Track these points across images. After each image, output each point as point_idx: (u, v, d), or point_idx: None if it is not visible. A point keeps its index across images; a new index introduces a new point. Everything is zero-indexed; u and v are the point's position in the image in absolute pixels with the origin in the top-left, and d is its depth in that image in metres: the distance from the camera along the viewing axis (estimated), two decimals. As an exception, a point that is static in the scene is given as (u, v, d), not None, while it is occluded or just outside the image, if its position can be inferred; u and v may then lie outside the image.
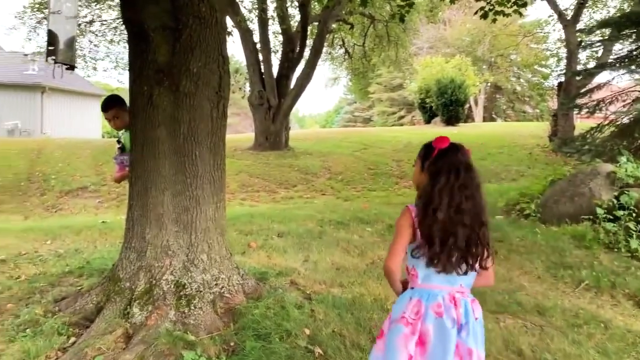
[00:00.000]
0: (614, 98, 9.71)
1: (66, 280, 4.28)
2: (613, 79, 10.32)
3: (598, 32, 12.40)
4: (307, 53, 16.88)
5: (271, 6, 16.50)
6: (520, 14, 8.61)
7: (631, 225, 5.46)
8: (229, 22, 14.54)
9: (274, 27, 17.54)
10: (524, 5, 8.16)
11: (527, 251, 5.50)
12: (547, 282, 4.74)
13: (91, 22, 16.80)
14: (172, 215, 3.52)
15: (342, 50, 21.80)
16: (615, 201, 5.85)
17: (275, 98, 16.32)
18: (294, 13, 17.55)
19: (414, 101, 32.08)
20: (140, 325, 3.22)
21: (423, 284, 2.05)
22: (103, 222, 7.24)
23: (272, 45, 17.19)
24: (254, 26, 16.71)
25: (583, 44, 14.26)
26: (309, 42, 17.06)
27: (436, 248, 1.98)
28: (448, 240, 1.98)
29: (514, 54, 39.38)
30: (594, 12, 18.65)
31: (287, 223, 6.76)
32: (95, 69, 18.55)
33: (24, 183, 11.83)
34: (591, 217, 5.85)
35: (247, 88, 18.16)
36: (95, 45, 17.71)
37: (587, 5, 16.93)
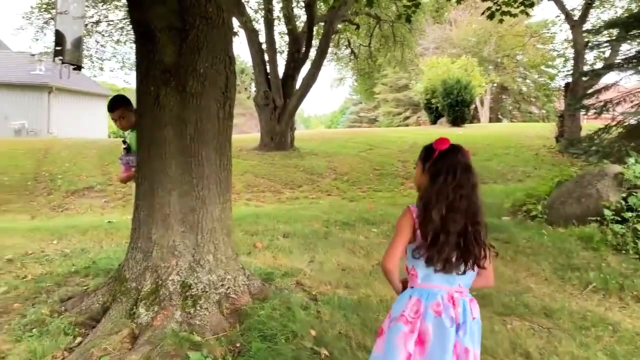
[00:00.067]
0: (621, 99, 9.65)
1: (72, 280, 4.28)
2: (621, 79, 10.27)
3: (605, 32, 12.31)
4: (312, 53, 16.87)
5: (277, 6, 16.52)
6: (527, 14, 8.59)
7: (639, 227, 5.43)
8: (235, 22, 14.57)
9: (279, 27, 17.59)
10: (531, 5, 8.14)
11: (534, 252, 5.47)
12: (554, 284, 4.71)
13: (98, 23, 16.87)
14: (179, 216, 3.52)
15: (348, 50, 21.78)
16: (623, 203, 5.81)
17: (280, 98, 16.33)
18: (300, 13, 17.58)
19: (419, 102, 32.01)
20: (146, 325, 3.22)
21: (422, 284, 2.08)
22: (109, 222, 7.26)
23: (277, 45, 17.22)
24: (260, 26, 16.75)
25: (590, 44, 14.20)
26: (315, 42, 17.06)
27: (435, 248, 2.01)
28: (445, 239, 2.01)
29: (520, 55, 39.20)
30: (601, 13, 18.56)
31: (293, 223, 6.75)
32: (101, 69, 18.64)
33: (30, 183, 11.88)
34: (599, 218, 5.81)
35: (253, 88, 18.18)
36: (101, 46, 17.81)
37: (594, 5, 16.83)
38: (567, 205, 6.44)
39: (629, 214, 5.57)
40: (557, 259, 5.24)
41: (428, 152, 2.16)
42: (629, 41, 10.81)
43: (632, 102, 9.73)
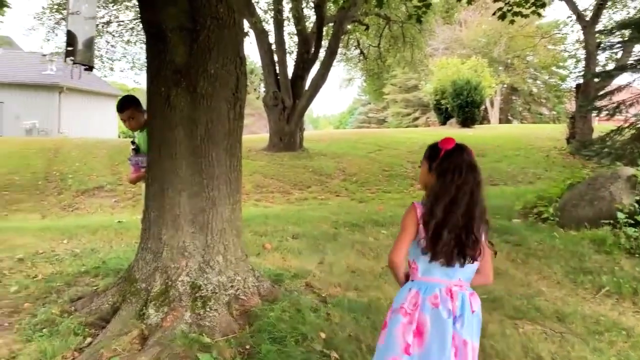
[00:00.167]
0: (634, 100, 9.54)
1: (82, 280, 4.30)
2: (634, 80, 10.16)
3: (618, 33, 12.20)
4: (322, 54, 16.85)
5: (287, 7, 16.51)
6: (539, 15, 8.52)
7: (653, 230, 5.37)
8: (244, 23, 14.57)
9: (289, 28, 17.57)
10: (542, 5, 8.07)
11: (546, 255, 5.41)
12: (566, 287, 4.66)
13: (108, 23, 16.96)
14: (189, 217, 3.51)
15: (357, 51, 21.73)
16: (636, 205, 5.75)
17: (290, 99, 16.33)
18: (310, 14, 17.56)
19: (429, 102, 31.92)
20: (156, 326, 3.21)
21: (423, 277, 2.15)
22: (119, 221, 7.28)
23: (287, 46, 17.19)
24: (270, 27, 16.74)
25: (602, 45, 14.07)
26: (324, 43, 17.03)
27: (438, 243, 2.08)
28: (448, 235, 2.07)
29: (531, 56, 39.00)
30: (613, 13, 18.36)
31: (302, 224, 6.73)
32: (112, 69, 18.73)
33: (41, 182, 11.95)
34: (611, 221, 5.74)
35: (262, 89, 18.19)
36: (112, 46, 17.89)
37: (606, 6, 16.67)
38: (579, 208, 6.37)
39: (643, 217, 5.51)
40: (569, 262, 5.18)
41: (433, 151, 2.21)
42: (641, 42, 10.70)
43: (645, 103, 9.63)
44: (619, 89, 10.22)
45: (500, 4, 7.93)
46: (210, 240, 3.55)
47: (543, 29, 31.13)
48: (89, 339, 3.17)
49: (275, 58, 16.55)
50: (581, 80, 16.41)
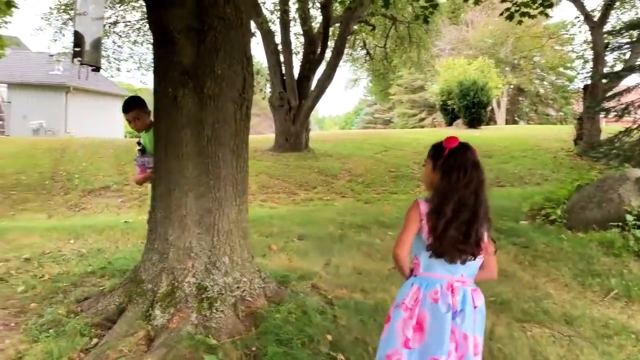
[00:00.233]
0: (643, 101, 9.48)
1: (88, 281, 4.30)
2: (643, 81, 10.07)
3: (626, 34, 12.11)
4: (328, 54, 16.83)
5: (293, 8, 16.50)
6: (547, 15, 8.46)
7: (662, 233, 5.31)
8: (251, 23, 14.56)
9: (295, 28, 17.57)
10: (550, 6, 8.00)
11: (553, 258, 5.37)
12: (574, 290, 4.62)
13: (115, 23, 17.01)
14: (195, 217, 3.51)
15: (363, 51, 21.70)
16: (645, 208, 5.69)
17: (295, 99, 16.32)
18: (316, 14, 17.55)
19: (435, 103, 31.81)
20: (162, 327, 3.21)
21: (425, 273, 2.20)
22: (125, 222, 7.29)
23: (293, 46, 17.19)
24: (276, 27, 16.74)
25: (610, 46, 13.97)
26: (331, 43, 17.01)
27: (445, 240, 2.12)
28: (455, 232, 2.12)
29: (538, 56, 38.82)
30: (621, 14, 18.21)
31: (308, 226, 6.73)
32: (118, 69, 18.72)
33: (48, 182, 11.99)
34: (620, 223, 5.69)
35: (268, 89, 18.20)
36: (119, 46, 17.92)
37: (614, 6, 16.55)
38: (587, 210, 6.32)
39: (652, 220, 5.46)
40: (577, 264, 5.14)
41: (437, 150, 2.24)
42: (650, 43, 10.62)
43: (654, 105, 9.56)
44: (628, 90, 10.13)
45: (507, 4, 7.88)
46: (216, 241, 3.54)
47: (550, 29, 30.98)
48: (95, 340, 3.17)
49: (282, 58, 16.54)
50: (589, 81, 16.30)
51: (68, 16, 16.00)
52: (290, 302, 3.62)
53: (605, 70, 15.75)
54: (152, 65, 3.84)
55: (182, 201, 3.48)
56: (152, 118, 4.19)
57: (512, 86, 41.73)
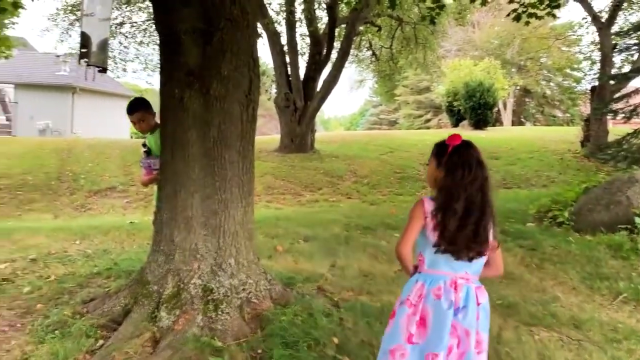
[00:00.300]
0: (651, 103, 9.40)
1: (94, 282, 4.30)
2: (651, 83, 10.00)
3: (634, 35, 12.02)
4: (334, 55, 16.80)
5: (299, 8, 16.50)
6: (554, 16, 8.40)
7: (672, 236, 5.26)
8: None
9: (301, 29, 17.56)
10: (557, 6, 7.95)
11: (561, 260, 5.33)
12: (582, 293, 4.58)
13: (121, 24, 17.06)
14: (201, 219, 3.49)
15: (369, 52, 21.65)
16: (654, 210, 5.64)
17: (301, 100, 16.30)
18: (322, 15, 17.53)
19: (441, 104, 31.72)
20: (168, 329, 3.20)
21: (429, 270, 2.23)
22: (131, 222, 7.30)
23: (299, 47, 17.18)
24: (282, 28, 16.75)
25: (618, 47, 13.87)
26: (336, 44, 16.99)
27: (453, 237, 2.14)
28: (463, 229, 2.14)
29: (545, 57, 38.66)
30: (629, 15, 18.10)
31: (313, 227, 6.71)
32: (125, 70, 18.80)
33: (54, 182, 12.03)
34: (629, 226, 5.65)
35: (274, 90, 18.20)
36: (125, 47, 17.97)
37: (622, 7, 16.44)
38: (595, 212, 6.27)
39: (661, 222, 5.40)
40: (585, 267, 5.10)
41: (441, 148, 2.27)
42: (658, 44, 10.54)
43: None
44: (636, 91, 10.07)
45: (514, 5, 7.84)
46: (222, 243, 3.53)
47: (557, 30, 30.86)
48: (100, 341, 3.16)
49: (287, 59, 16.54)
50: (596, 83, 16.21)
51: (75, 17, 16.06)
52: (296, 304, 3.61)
53: (613, 71, 15.64)
54: (158, 66, 3.83)
55: (188, 202, 3.47)
56: (157, 119, 4.19)
57: (518, 87, 41.56)
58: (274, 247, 5.56)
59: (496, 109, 30.77)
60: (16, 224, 7.78)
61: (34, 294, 3.99)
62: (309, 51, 17.07)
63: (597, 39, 17.23)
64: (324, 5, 16.44)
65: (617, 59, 16.42)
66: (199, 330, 3.17)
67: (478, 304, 2.18)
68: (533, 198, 8.57)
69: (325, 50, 16.46)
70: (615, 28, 16.06)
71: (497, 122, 35.78)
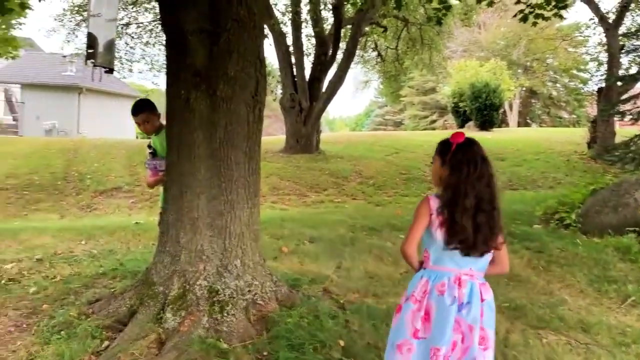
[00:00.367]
0: (659, 105, 9.33)
1: (100, 282, 4.30)
2: (659, 84, 9.94)
3: (642, 36, 11.95)
4: (339, 56, 16.78)
5: (304, 9, 16.48)
6: (561, 17, 8.35)
7: (680, 238, 5.21)
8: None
9: (307, 30, 17.53)
10: (565, 7, 7.89)
11: (568, 263, 5.29)
12: (590, 296, 4.54)
13: (127, 25, 17.08)
14: (207, 220, 3.49)
15: (375, 53, 21.62)
16: (662, 213, 5.59)
17: (306, 101, 16.29)
18: (328, 16, 17.51)
19: (446, 105, 31.63)
20: (173, 330, 3.19)
21: (434, 266, 2.25)
22: (136, 223, 7.30)
23: (304, 48, 17.16)
24: (287, 29, 16.73)
25: (625, 48, 13.78)
26: (342, 45, 16.97)
27: (464, 233, 2.15)
28: (477, 225, 2.16)
29: (551, 58, 38.50)
30: (637, 15, 17.98)
31: (319, 228, 6.69)
32: (130, 70, 18.81)
33: (60, 182, 12.06)
34: (637, 229, 5.61)
35: (279, 90, 18.18)
36: (131, 48, 18.00)
37: (630, 8, 16.34)
38: (602, 215, 6.22)
39: (669, 225, 5.36)
40: (592, 270, 5.06)
41: (445, 146, 2.29)
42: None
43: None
44: (644, 92, 9.99)
45: (521, 6, 7.79)
46: (228, 244, 3.52)
47: (563, 31, 30.71)
48: (106, 342, 3.16)
49: (293, 60, 16.52)
50: (603, 84, 16.11)
51: (81, 17, 16.09)
52: (302, 306, 3.60)
53: (620, 72, 15.54)
54: (164, 66, 3.83)
55: (194, 204, 3.47)
56: (161, 120, 4.19)
57: (524, 88, 41.39)
58: (280, 248, 5.55)
59: (502, 110, 30.68)
60: (22, 224, 7.80)
61: (39, 294, 4.00)
62: (314, 52, 17.04)
63: (604, 40, 17.13)
64: (330, 6, 16.41)
65: (625, 60, 16.31)
66: (205, 332, 3.17)
67: (482, 300, 2.20)
68: (539, 200, 8.52)
69: (330, 51, 16.43)
70: (622, 29, 15.97)
71: (503, 123, 35.64)
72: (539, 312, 4.03)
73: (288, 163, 14.74)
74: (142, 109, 4.08)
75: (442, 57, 23.33)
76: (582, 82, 37.46)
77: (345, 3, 15.34)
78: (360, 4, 13.65)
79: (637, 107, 9.49)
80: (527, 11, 7.73)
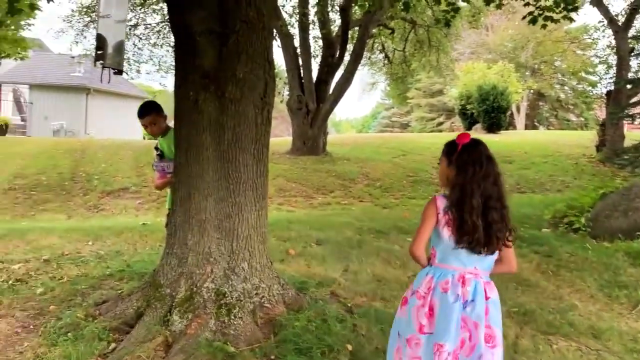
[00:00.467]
0: (669, 108, 9.24)
1: (107, 283, 4.29)
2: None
3: (652, 38, 11.85)
4: (346, 58, 16.75)
5: (312, 11, 16.47)
6: (571, 19, 8.29)
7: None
8: (270, 26, 14.52)
9: (314, 31, 17.52)
10: (575, 9, 7.83)
11: (578, 268, 5.23)
12: (600, 301, 4.48)
13: (135, 26, 17.15)
14: (215, 222, 3.47)
15: (382, 55, 21.57)
16: (674, 218, 5.53)
17: (313, 103, 16.27)
18: (335, 18, 17.49)
19: (453, 107, 31.53)
20: (180, 333, 3.18)
21: (439, 264, 2.30)
22: (143, 224, 7.30)
23: (312, 49, 17.14)
24: (295, 31, 16.72)
25: (635, 51, 13.68)
26: (349, 47, 16.94)
27: (473, 232, 2.18)
28: (485, 223, 2.20)
29: (559, 61, 38.31)
30: (646, 18, 17.86)
31: (326, 230, 6.66)
32: (138, 71, 18.91)
33: (68, 182, 12.09)
34: (648, 233, 5.54)
35: (286, 92, 18.18)
36: (139, 49, 18.07)
37: (639, 11, 16.22)
38: (612, 219, 6.16)
39: (681, 230, 5.29)
40: (602, 275, 5.00)
41: (451, 147, 2.34)
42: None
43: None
44: (654, 95, 9.90)
45: (530, 8, 7.74)
46: (235, 247, 3.50)
47: (572, 33, 30.56)
48: (113, 345, 3.15)
49: (300, 62, 16.52)
50: (612, 87, 16.00)
51: (89, 19, 16.18)
52: (310, 309, 3.57)
53: (630, 75, 15.44)
54: (172, 67, 3.82)
55: (202, 205, 3.45)
56: (167, 122, 4.18)
57: (532, 91, 41.21)
58: (286, 250, 5.52)
59: (509, 112, 30.53)
60: (30, 224, 7.82)
61: (46, 295, 3.99)
62: (321, 53, 17.02)
63: (614, 42, 17.02)
64: (337, 8, 16.40)
65: (634, 62, 16.23)
66: (212, 335, 3.15)
67: (487, 298, 2.24)
68: (548, 203, 8.46)
69: (338, 53, 16.40)
70: (632, 31, 15.87)
71: (511, 125, 35.50)
72: (548, 317, 3.99)
73: (294, 165, 14.72)
74: (149, 111, 4.06)
75: (450, 59, 23.26)
76: (590, 85, 37.25)
77: (353, 5, 15.31)
78: (368, 5, 13.62)
79: (647, 111, 9.40)
80: (536, 13, 7.67)
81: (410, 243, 2.38)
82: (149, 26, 17.60)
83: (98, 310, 3.60)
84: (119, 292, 3.96)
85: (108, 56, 3.82)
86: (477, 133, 24.07)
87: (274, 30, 14.69)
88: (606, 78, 23.83)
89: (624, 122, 14.40)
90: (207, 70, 3.41)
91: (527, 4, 7.74)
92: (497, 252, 2.28)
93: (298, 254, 5.47)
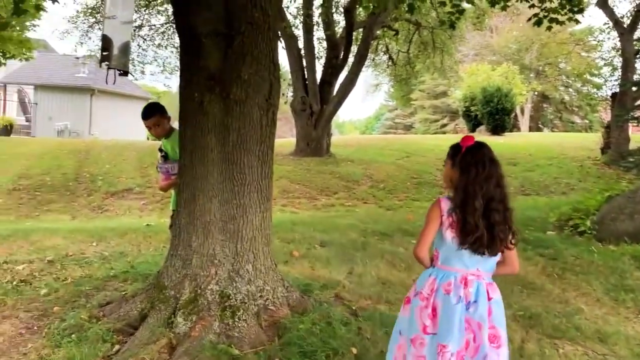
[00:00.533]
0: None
1: (111, 285, 4.29)
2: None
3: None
4: (351, 59, 16.75)
5: (316, 12, 16.49)
6: (576, 21, 8.26)
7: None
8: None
9: (318, 33, 17.53)
10: (581, 11, 7.81)
11: (583, 271, 5.20)
12: (606, 305, 4.45)
13: (140, 27, 17.18)
14: (219, 224, 3.46)
15: (386, 56, 21.55)
16: (680, 221, 5.49)
17: (317, 104, 16.26)
18: (339, 19, 17.50)
19: (457, 109, 31.46)
20: (184, 335, 3.16)
21: (442, 265, 2.33)
22: (147, 225, 7.30)
23: (316, 51, 17.14)
24: (299, 32, 16.74)
25: (641, 53, 13.62)
26: (353, 48, 16.93)
27: (475, 233, 2.20)
28: (487, 224, 2.21)
29: (563, 63, 38.20)
30: (652, 20, 17.76)
31: (329, 232, 6.64)
32: (143, 72, 18.94)
33: (72, 183, 12.12)
34: (654, 237, 5.50)
35: (290, 93, 18.17)
36: (143, 50, 18.11)
37: (645, 12, 16.16)
38: (618, 222, 6.13)
39: (688, 233, 5.25)
40: (608, 278, 4.97)
41: (455, 149, 2.38)
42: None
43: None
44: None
45: (535, 10, 7.71)
46: (240, 248, 3.49)
47: (576, 35, 30.48)
48: (116, 346, 3.14)
49: (304, 63, 16.51)
50: (617, 89, 15.94)
51: (94, 19, 16.23)
52: (314, 312, 3.55)
53: (635, 77, 15.37)
54: (176, 69, 3.82)
55: (206, 207, 3.44)
56: (172, 124, 4.17)
57: (536, 93, 41.11)
58: (290, 252, 5.51)
59: (514, 114, 30.44)
60: (34, 225, 7.83)
61: (50, 296, 3.99)
62: (325, 55, 17.04)
63: (619, 44, 16.96)
64: (342, 9, 16.40)
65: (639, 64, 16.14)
66: (216, 337, 3.13)
67: (489, 299, 2.26)
68: (553, 206, 8.42)
69: (342, 54, 16.41)
70: (637, 33, 15.80)
71: (515, 127, 35.41)
72: (554, 321, 3.96)
73: (298, 166, 14.71)
74: (153, 112, 4.06)
75: (454, 60, 23.23)
76: (595, 87, 37.11)
77: (357, 6, 15.31)
78: (372, 7, 13.61)
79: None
80: (541, 15, 7.65)
81: (414, 245, 2.39)
82: (153, 27, 17.65)
83: (102, 311, 3.59)
84: (123, 293, 3.95)
85: (113, 57, 3.82)
86: (481, 135, 24.03)
87: (279, 32, 14.70)
88: (611, 80, 23.77)
89: (629, 124, 14.33)
90: (212, 72, 3.40)
91: (533, 6, 7.71)
92: (499, 254, 2.30)
93: (302, 255, 5.45)
